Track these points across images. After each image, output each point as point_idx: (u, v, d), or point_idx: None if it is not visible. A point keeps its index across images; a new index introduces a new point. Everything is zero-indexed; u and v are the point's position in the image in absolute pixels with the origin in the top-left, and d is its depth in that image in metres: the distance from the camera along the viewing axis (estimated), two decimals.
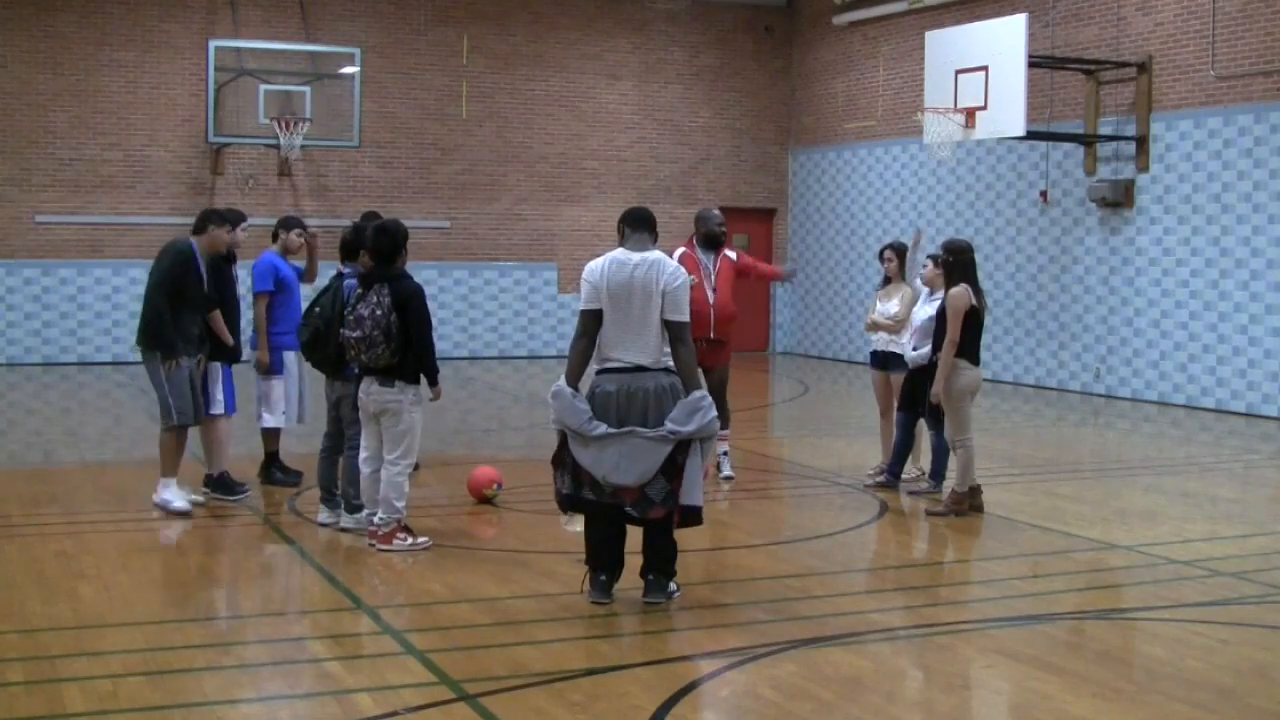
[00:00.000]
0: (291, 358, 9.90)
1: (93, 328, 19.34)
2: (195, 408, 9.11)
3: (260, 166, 20.02)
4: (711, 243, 10.28)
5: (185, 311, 9.00)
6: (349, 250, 8.64)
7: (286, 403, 9.94)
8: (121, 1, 19.43)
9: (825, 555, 8.49)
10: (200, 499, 9.33)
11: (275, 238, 10.16)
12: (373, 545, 8.11)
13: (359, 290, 7.97)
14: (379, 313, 7.75)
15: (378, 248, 7.94)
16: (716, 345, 10.16)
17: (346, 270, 8.56)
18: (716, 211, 10.48)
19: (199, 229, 9.37)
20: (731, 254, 10.38)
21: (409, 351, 7.84)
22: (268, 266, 9.83)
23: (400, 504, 8.03)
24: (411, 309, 7.82)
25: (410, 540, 8.07)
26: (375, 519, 8.10)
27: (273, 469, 10.09)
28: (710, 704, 5.61)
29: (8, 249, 18.95)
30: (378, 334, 7.74)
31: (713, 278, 10.18)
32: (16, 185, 18.97)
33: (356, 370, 8.13)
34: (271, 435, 10.09)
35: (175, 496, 9.04)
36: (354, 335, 7.81)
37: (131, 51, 19.48)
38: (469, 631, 6.52)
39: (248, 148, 19.69)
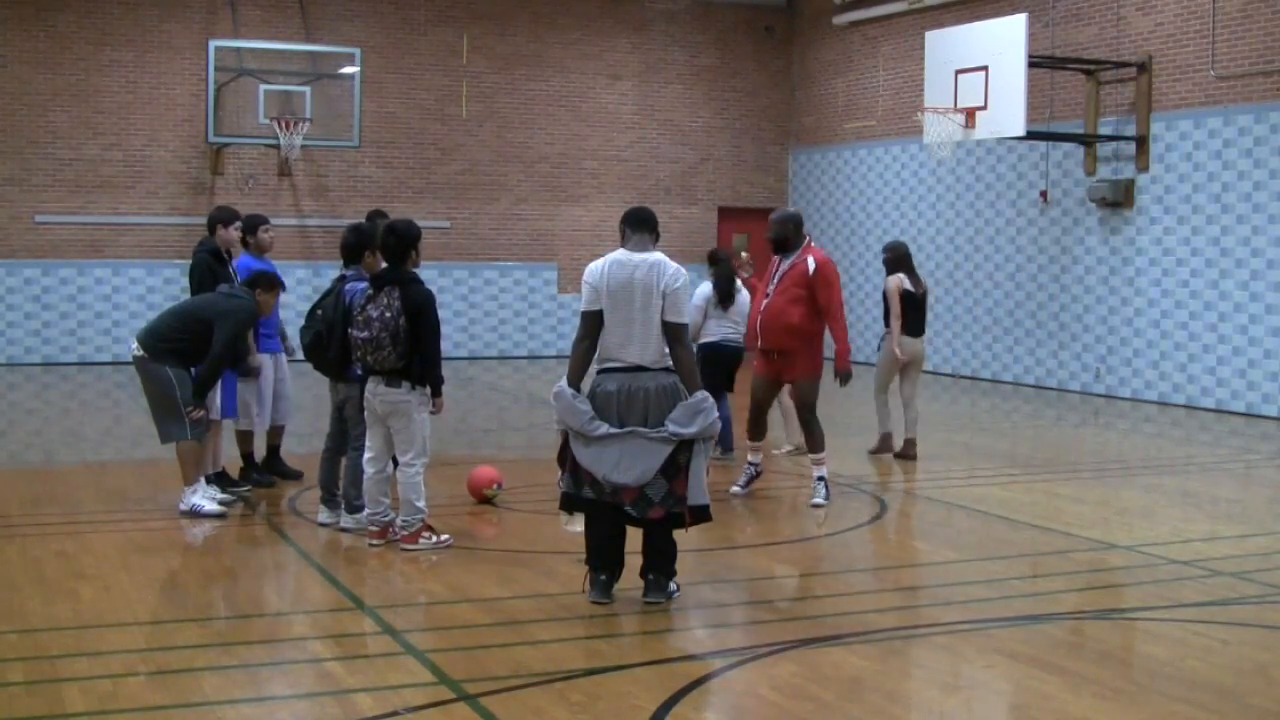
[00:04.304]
0: (266, 360, 9.91)
1: (93, 328, 19.34)
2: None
3: (260, 166, 20.03)
4: (775, 247, 9.48)
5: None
6: (351, 252, 8.55)
7: (260, 405, 9.93)
8: (121, 1, 19.44)
9: (825, 555, 8.50)
10: (230, 498, 9.35)
11: (245, 243, 9.97)
12: (373, 545, 8.13)
13: (369, 290, 7.95)
14: (388, 315, 7.73)
15: (386, 247, 7.93)
16: (773, 357, 9.51)
17: (349, 273, 8.47)
18: (781, 211, 9.64)
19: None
20: (812, 261, 9.35)
21: (416, 354, 7.84)
22: (243, 272, 9.78)
23: (420, 503, 8.03)
24: (423, 317, 7.78)
25: (435, 539, 8.08)
26: (399, 520, 8.10)
27: (250, 470, 10.10)
28: (710, 704, 5.61)
29: (8, 249, 18.96)
30: (385, 336, 7.73)
31: (772, 283, 9.45)
32: (16, 185, 18.98)
33: (360, 372, 8.11)
34: (245, 437, 10.11)
35: (206, 500, 8.98)
36: (361, 336, 7.80)
37: (131, 51, 19.48)
38: (469, 631, 6.52)
39: (248, 148, 19.70)
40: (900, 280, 11.68)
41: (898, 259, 11.83)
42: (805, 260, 9.34)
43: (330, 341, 8.27)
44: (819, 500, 9.58)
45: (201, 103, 19.25)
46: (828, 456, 9.73)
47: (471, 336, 21.27)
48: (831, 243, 22.03)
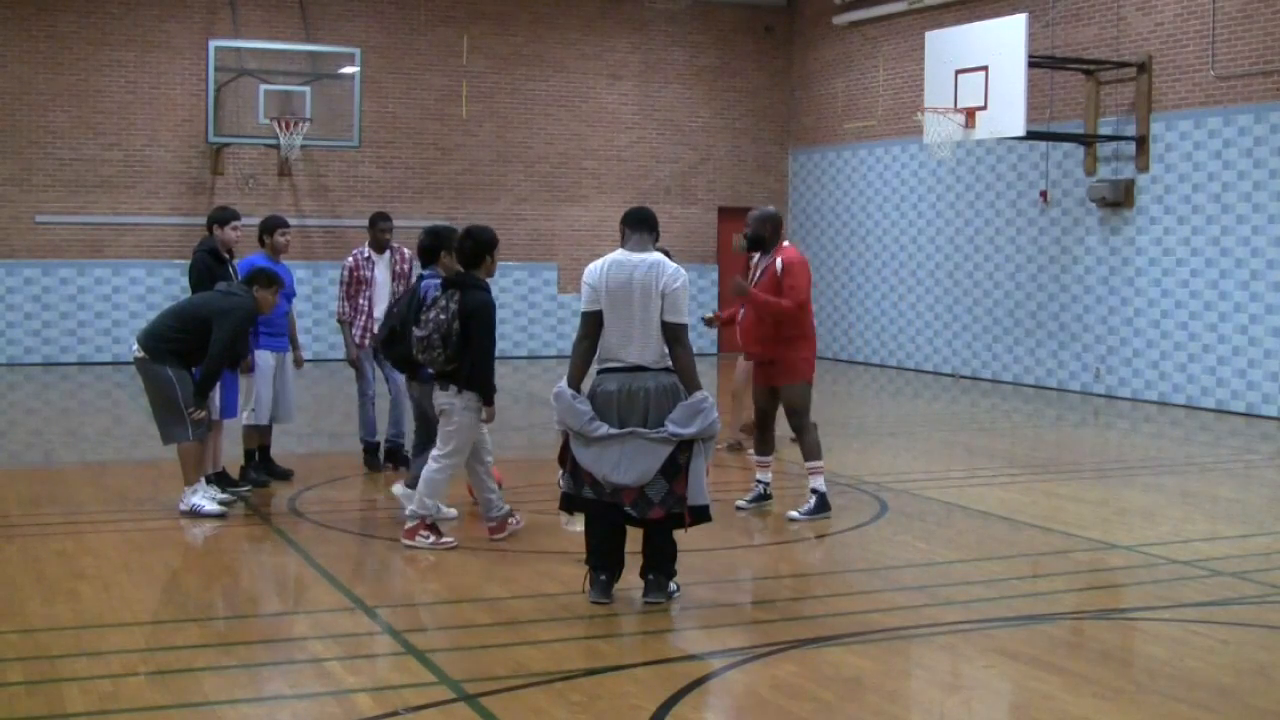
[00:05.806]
0: (270, 358, 9.93)
1: (93, 328, 19.35)
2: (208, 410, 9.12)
3: (260, 166, 20.03)
4: (752, 245, 9.21)
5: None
6: (427, 254, 8.81)
7: (257, 402, 9.95)
8: (121, 1, 19.44)
9: (825, 555, 8.50)
10: (230, 498, 9.36)
11: (262, 241, 10.15)
12: (496, 539, 8.27)
13: (438, 292, 8.07)
14: (442, 317, 7.80)
15: (462, 250, 8.03)
16: (761, 364, 9.25)
17: (427, 273, 8.74)
18: (760, 210, 9.32)
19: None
20: (779, 261, 9.03)
21: (467, 359, 7.87)
22: (244, 270, 9.77)
23: (430, 502, 8.09)
24: (475, 324, 7.81)
25: (432, 539, 8.10)
26: (407, 511, 8.24)
27: (249, 468, 10.11)
28: (710, 704, 5.61)
29: (8, 249, 18.96)
30: (436, 337, 7.79)
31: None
32: (16, 185, 18.98)
33: (431, 372, 8.21)
34: (250, 434, 10.13)
35: (206, 500, 8.99)
36: (419, 334, 7.91)
37: (131, 51, 19.48)
38: (469, 631, 6.52)
39: (248, 148, 19.70)
40: None
41: None
42: (775, 261, 9.06)
43: (403, 337, 8.45)
44: (795, 515, 9.11)
45: (201, 103, 19.25)
46: (824, 465, 9.31)
47: None
48: (831, 243, 22.04)
